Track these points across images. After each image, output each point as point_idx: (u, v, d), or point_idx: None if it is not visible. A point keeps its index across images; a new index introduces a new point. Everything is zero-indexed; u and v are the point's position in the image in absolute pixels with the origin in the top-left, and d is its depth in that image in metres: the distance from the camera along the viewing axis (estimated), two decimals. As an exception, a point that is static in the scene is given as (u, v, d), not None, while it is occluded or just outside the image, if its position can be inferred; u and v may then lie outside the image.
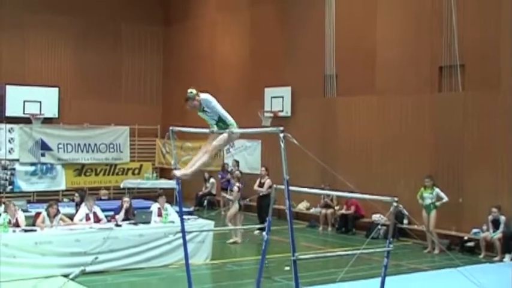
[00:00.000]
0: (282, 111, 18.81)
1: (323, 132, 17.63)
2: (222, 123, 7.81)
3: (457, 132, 14.60)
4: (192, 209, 18.69)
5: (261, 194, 15.99)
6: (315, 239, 15.54)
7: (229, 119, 7.84)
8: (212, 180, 20.89)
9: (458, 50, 14.41)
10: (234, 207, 15.00)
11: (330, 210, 17.02)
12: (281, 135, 7.41)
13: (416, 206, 13.55)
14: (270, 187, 13.28)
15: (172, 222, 12.30)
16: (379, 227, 14.27)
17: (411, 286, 9.73)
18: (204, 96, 7.85)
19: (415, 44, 15.54)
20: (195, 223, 12.70)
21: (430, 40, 15.16)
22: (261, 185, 16.30)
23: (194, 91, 7.88)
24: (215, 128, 7.89)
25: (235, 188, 15.08)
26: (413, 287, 9.67)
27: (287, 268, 10.42)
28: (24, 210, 13.24)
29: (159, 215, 12.79)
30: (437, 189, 13.83)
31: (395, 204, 7.55)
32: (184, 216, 9.90)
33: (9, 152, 20.82)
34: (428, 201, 13.79)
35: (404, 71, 15.82)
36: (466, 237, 13.96)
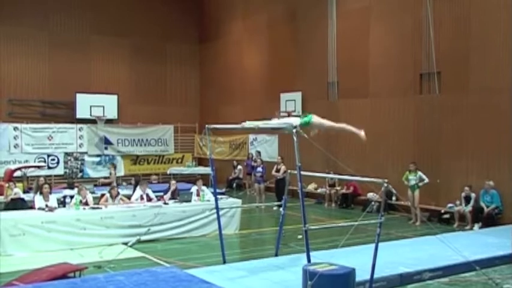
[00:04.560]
0: (294, 111, 18.72)
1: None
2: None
3: (435, 126, 14.46)
4: (223, 190, 18.75)
5: (277, 178, 15.97)
6: (322, 213, 15.51)
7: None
8: (239, 167, 20.91)
9: (435, 60, 14.25)
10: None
11: (333, 190, 16.97)
12: (294, 130, 7.44)
13: (402, 186, 13.46)
14: (285, 172, 13.26)
15: (208, 200, 12.34)
16: (373, 203, 14.17)
17: (399, 250, 9.66)
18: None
19: (400, 56, 15.39)
20: (226, 201, 12.72)
21: (412, 52, 15.00)
22: (278, 170, 16.28)
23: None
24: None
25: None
26: (401, 251, 9.59)
27: (300, 237, 10.41)
28: (92, 192, 13.38)
29: (198, 195, 12.83)
30: (419, 173, 13.72)
31: (385, 184, 7.51)
32: (218, 196, 9.91)
33: (80, 146, 21.02)
34: (412, 182, 13.69)
35: (392, 78, 15.69)
36: (442, 211, 13.86)
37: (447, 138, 14.19)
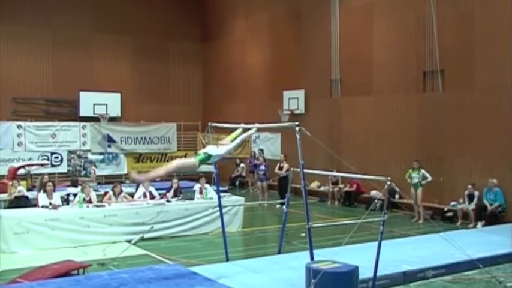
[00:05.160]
0: (297, 109, 18.76)
1: (330, 126, 17.54)
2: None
3: (438, 124, 14.43)
4: (226, 188, 18.72)
5: (280, 176, 15.97)
6: (325, 211, 15.50)
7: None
8: (242, 165, 20.91)
9: (439, 58, 14.22)
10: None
11: (336, 188, 16.97)
12: (297, 128, 7.42)
13: (405, 184, 13.45)
14: (288, 170, 13.26)
15: (211, 198, 12.35)
16: (376, 201, 14.16)
17: (402, 248, 9.65)
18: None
19: (404, 54, 15.37)
20: (229, 199, 12.72)
21: (415, 50, 14.97)
22: (280, 168, 16.28)
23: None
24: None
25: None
26: (404, 249, 9.58)
27: (303, 234, 10.41)
28: (95, 190, 13.38)
29: (201, 193, 12.84)
30: (423, 171, 13.70)
31: (388, 182, 7.51)
32: (221, 194, 9.91)
33: (83, 144, 21.05)
34: (415, 180, 13.67)
35: (395, 75, 15.67)
36: (446, 209, 13.84)
37: (450, 136, 14.17)
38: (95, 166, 19.62)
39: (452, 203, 13.67)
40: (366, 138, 16.49)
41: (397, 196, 14.28)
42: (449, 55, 14.10)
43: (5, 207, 12.65)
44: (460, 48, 13.93)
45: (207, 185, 13.12)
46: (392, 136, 15.65)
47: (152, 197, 12.54)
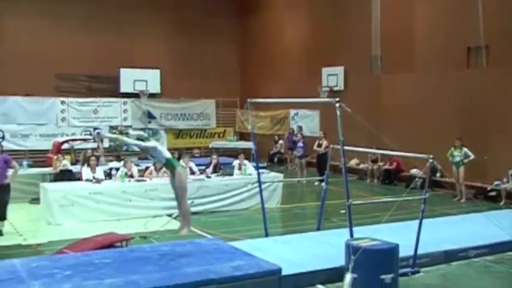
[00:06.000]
0: (337, 86, 18.58)
1: (370, 103, 17.24)
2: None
3: (482, 101, 14.05)
4: (265, 164, 18.77)
5: (319, 153, 15.89)
6: (364, 189, 15.37)
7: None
8: (281, 141, 20.89)
9: (483, 33, 13.79)
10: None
11: (376, 166, 16.81)
12: (337, 105, 7.36)
13: (447, 162, 13.17)
14: (327, 147, 13.18)
15: (250, 174, 12.41)
16: (417, 179, 13.96)
17: (443, 227, 9.51)
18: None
19: (447, 29, 14.95)
20: (268, 175, 12.77)
21: (459, 25, 14.54)
22: (319, 145, 16.19)
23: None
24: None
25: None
26: (445, 228, 9.45)
27: (342, 211, 10.36)
28: (137, 165, 13.59)
29: (240, 169, 12.92)
30: (465, 149, 13.41)
31: (430, 160, 7.40)
32: (260, 170, 9.94)
33: (124, 120, 21.39)
34: (457, 159, 13.40)
35: (438, 51, 15.28)
36: (489, 188, 13.56)
37: (494, 114, 13.79)
38: (101, 140, 19.62)
39: (496, 182, 13.37)
40: (406, 116, 16.19)
41: (438, 174, 14.04)
42: (494, 30, 13.63)
43: (50, 181, 13.03)
44: (506, 22, 13.44)
45: (246, 161, 13.17)
46: (434, 113, 15.32)
47: (192, 173, 12.66)
